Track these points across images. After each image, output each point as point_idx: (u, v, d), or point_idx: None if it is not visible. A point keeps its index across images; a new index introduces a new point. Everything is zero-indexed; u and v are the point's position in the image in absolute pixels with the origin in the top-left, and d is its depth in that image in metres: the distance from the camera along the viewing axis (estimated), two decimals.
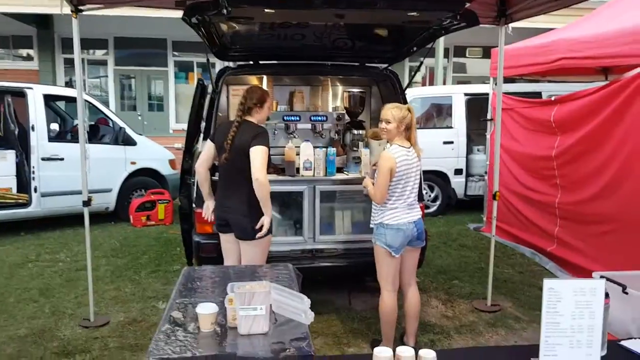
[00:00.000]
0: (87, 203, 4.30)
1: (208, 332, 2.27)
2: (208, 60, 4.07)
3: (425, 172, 8.06)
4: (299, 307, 2.45)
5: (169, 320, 2.40)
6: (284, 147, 4.33)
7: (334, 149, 4.36)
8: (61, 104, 8.59)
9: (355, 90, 4.75)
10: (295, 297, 2.55)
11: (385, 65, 4.65)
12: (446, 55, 13.81)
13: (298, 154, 4.30)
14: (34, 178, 6.81)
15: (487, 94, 7.23)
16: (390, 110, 3.52)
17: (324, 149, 4.31)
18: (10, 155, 6.91)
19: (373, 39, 4.27)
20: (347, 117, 4.80)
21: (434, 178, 8.20)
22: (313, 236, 4.33)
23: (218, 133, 3.71)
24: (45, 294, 4.84)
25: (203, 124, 4.24)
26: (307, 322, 2.39)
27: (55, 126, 8.23)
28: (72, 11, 3.87)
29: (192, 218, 4.21)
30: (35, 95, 6.92)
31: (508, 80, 7.65)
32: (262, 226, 3.55)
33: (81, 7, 3.90)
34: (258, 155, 3.44)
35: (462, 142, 8.14)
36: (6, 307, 4.50)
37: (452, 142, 8.13)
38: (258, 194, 3.49)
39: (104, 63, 13.13)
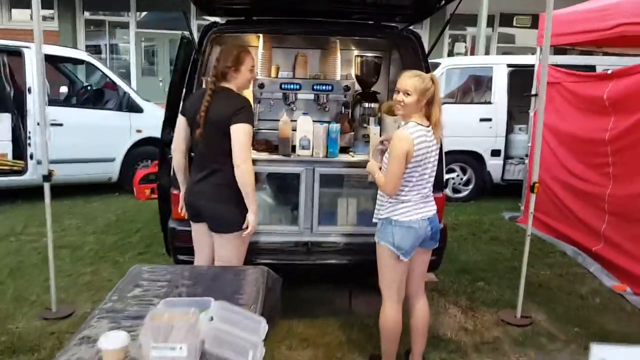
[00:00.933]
0: (47, 178, 3.71)
1: None
2: (185, 13, 3.39)
3: (457, 153, 7.30)
4: (247, 342, 1.81)
5: (76, 344, 1.83)
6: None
7: (338, 125, 3.64)
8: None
9: (369, 54, 3.98)
10: (249, 323, 1.91)
11: (406, 25, 3.86)
12: (491, 24, 12.68)
13: (295, 130, 3.62)
14: (30, 144, 6.35)
15: (533, 66, 6.30)
16: (411, 80, 2.78)
17: (326, 125, 3.60)
18: (6, 119, 6.47)
19: None
20: (358, 86, 4.05)
21: (468, 159, 7.36)
22: (310, 227, 3.66)
23: (190, 104, 3.06)
24: (15, 274, 4.37)
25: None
26: None
27: (64, 89, 7.80)
28: None
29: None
30: (33, 55, 6.39)
31: (558, 51, 6.70)
32: (241, 220, 2.94)
33: None
34: (240, 137, 2.82)
35: (501, 119, 7.23)
36: None
37: (490, 120, 7.23)
38: (240, 184, 2.87)
39: (125, 25, 12.61)
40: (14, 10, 12.24)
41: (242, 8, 3.67)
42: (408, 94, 2.79)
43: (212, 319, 1.80)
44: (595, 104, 4.85)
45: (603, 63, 6.88)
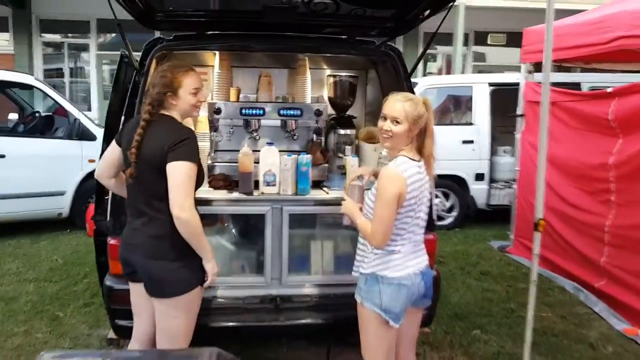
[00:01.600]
0: None
1: None
2: (119, 25, 2.83)
3: (440, 177, 6.72)
4: None
5: None
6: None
7: (309, 156, 3.09)
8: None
9: (343, 74, 3.47)
10: None
11: (384, 40, 3.36)
12: (465, 42, 12.40)
13: (257, 162, 3.05)
14: None
15: (517, 85, 5.90)
16: (401, 104, 2.29)
17: (294, 156, 3.04)
18: None
19: (367, 0, 2.99)
20: (331, 110, 3.52)
21: (450, 184, 6.88)
22: (279, 276, 3.08)
23: (125, 133, 2.47)
24: None
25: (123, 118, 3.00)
26: None
27: (13, 116, 7.13)
28: None
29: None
30: None
31: (538, 68, 6.33)
32: (187, 280, 2.37)
33: None
34: (177, 178, 2.25)
35: (484, 141, 6.80)
36: None
37: (472, 142, 6.79)
38: (184, 236, 2.29)
39: (86, 48, 11.95)
40: None
41: (191, 21, 3.10)
42: (397, 122, 2.28)
43: None
44: (597, 125, 4.40)
45: (587, 80, 6.55)
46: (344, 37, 3.37)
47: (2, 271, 5.06)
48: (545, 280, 4.95)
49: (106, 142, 3.03)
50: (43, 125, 6.61)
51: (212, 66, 3.46)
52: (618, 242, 4.24)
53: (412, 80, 7.10)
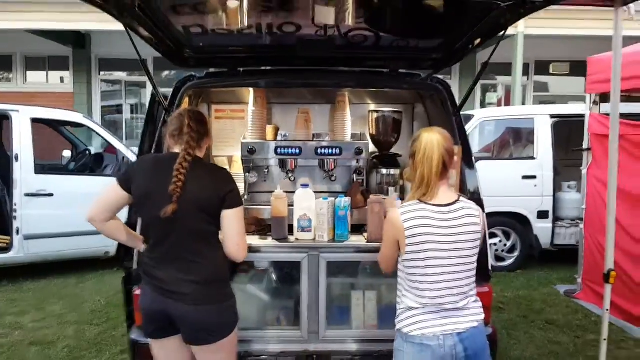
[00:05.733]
0: None
1: None
2: (144, 62, 2.72)
3: (499, 215, 6.36)
4: None
5: None
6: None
7: (347, 198, 2.82)
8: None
9: (387, 109, 3.22)
10: None
11: (431, 73, 3.09)
12: (526, 72, 11.91)
13: (291, 206, 2.82)
14: (15, 217, 5.72)
15: (582, 116, 5.46)
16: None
17: (331, 199, 2.79)
18: None
19: (411, 30, 2.75)
20: (373, 148, 3.26)
21: (511, 222, 6.41)
22: (316, 330, 2.80)
23: (142, 173, 2.31)
24: None
25: None
26: None
27: (67, 153, 7.30)
28: None
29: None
30: (22, 119, 5.87)
31: (604, 99, 5.88)
32: (230, 319, 2.31)
33: None
34: (239, 223, 2.30)
35: (547, 176, 6.30)
36: None
37: (534, 177, 6.32)
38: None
39: (143, 85, 12.31)
40: (29, 73, 12.11)
41: (223, 57, 2.95)
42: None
43: None
44: None
45: None
46: (386, 70, 3.12)
47: (45, 313, 5.02)
48: (618, 330, 4.41)
49: None
50: (93, 163, 6.70)
51: (247, 103, 3.28)
52: None
53: (469, 112, 6.83)
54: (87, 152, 6.96)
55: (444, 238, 2.04)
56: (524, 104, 11.21)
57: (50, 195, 5.86)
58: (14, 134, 5.78)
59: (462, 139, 2.81)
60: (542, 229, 6.38)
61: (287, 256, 2.80)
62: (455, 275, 2.09)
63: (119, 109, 12.71)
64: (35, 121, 6.01)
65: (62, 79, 12.13)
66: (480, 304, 2.19)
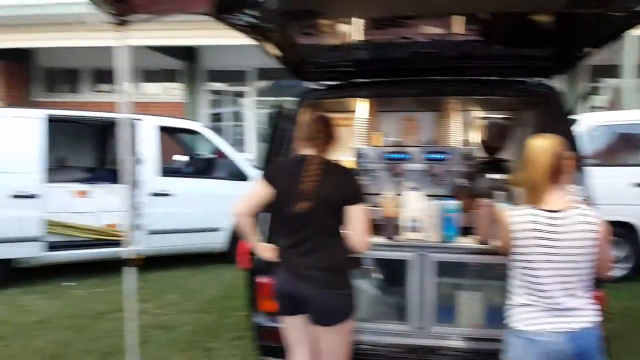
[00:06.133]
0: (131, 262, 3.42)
1: None
2: (279, 82, 3.01)
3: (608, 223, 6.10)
4: None
5: None
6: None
7: (456, 201, 2.97)
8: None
9: (495, 116, 3.32)
10: None
11: (541, 79, 3.15)
12: (637, 74, 11.24)
13: (402, 208, 3.00)
14: (140, 214, 6.36)
15: None
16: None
17: (440, 202, 2.94)
18: (118, 190, 6.58)
19: (522, 39, 2.85)
20: (481, 154, 3.37)
21: (620, 232, 6.15)
22: (424, 325, 2.96)
23: (281, 173, 2.63)
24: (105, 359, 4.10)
25: None
26: None
27: (179, 158, 7.95)
28: (117, 24, 3.08)
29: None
30: (147, 127, 6.53)
31: None
32: (349, 305, 2.56)
33: (127, 19, 3.10)
34: (363, 217, 2.54)
35: None
36: None
37: None
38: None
39: (245, 95, 13.01)
40: (144, 84, 13.22)
41: (340, 71, 3.21)
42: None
43: None
44: None
45: None
46: (496, 78, 3.22)
47: (164, 302, 5.54)
48: None
49: None
50: (205, 167, 7.27)
51: (356, 112, 3.51)
52: None
53: (575, 117, 6.64)
54: (201, 156, 7.56)
55: (553, 243, 2.12)
56: (634, 108, 10.58)
57: (171, 195, 6.46)
58: (139, 140, 6.43)
59: (573, 145, 2.85)
60: None
61: (397, 254, 2.98)
62: (567, 278, 2.16)
63: (220, 117, 13.53)
64: (159, 129, 6.66)
65: (173, 90, 13.12)
66: (595, 307, 2.25)
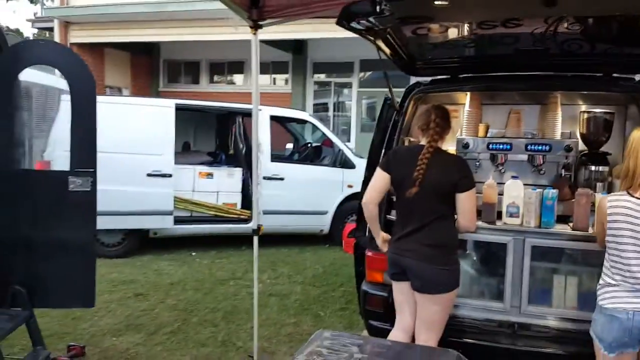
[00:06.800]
0: (256, 232, 3.96)
1: None
2: (386, 74, 3.37)
3: None
4: None
5: None
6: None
7: (555, 190, 3.17)
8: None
9: (598, 110, 3.45)
10: None
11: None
12: None
13: (501, 194, 3.26)
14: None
15: None
16: None
17: (539, 190, 3.16)
18: (237, 173, 7.30)
19: (625, 37, 2.98)
20: (583, 146, 3.52)
21: None
22: (518, 305, 3.21)
23: (397, 161, 2.96)
24: (228, 317, 4.72)
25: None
26: None
27: (290, 146, 8.57)
28: (250, 27, 3.59)
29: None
30: (262, 117, 7.15)
31: None
32: (447, 279, 2.83)
33: (260, 22, 3.60)
34: (471, 202, 2.85)
35: None
36: (187, 327, 4.49)
37: None
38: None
39: (349, 85, 13.47)
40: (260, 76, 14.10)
41: (446, 67, 3.50)
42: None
43: None
44: None
45: None
46: (599, 74, 3.36)
47: (277, 273, 6.15)
48: None
49: (369, 171, 3.61)
50: (313, 154, 7.80)
51: (463, 104, 3.78)
52: None
53: None
54: (309, 144, 8.11)
55: (633, 221, 2.31)
56: None
57: (282, 179, 7.06)
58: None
59: None
60: None
61: (496, 238, 3.23)
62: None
63: (325, 107, 14.11)
64: (272, 118, 7.26)
65: (281, 81, 13.90)
66: None
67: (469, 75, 3.62)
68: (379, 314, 3.29)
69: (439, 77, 3.62)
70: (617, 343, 2.37)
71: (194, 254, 7.04)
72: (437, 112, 2.87)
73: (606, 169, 3.40)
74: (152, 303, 5.09)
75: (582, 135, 3.54)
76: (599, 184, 3.34)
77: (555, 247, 3.19)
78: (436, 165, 2.77)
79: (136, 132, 6.54)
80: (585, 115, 3.51)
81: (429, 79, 3.62)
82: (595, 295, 2.56)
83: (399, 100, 3.61)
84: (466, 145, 3.57)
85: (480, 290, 3.43)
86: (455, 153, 3.13)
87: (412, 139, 3.56)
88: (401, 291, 3.01)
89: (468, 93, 3.69)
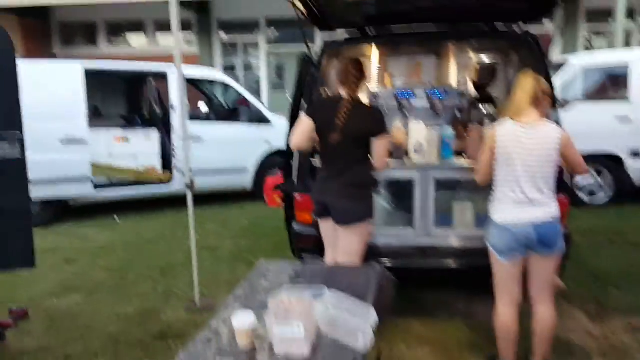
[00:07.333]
0: (190, 187, 4.21)
1: (244, 347, 1.95)
2: (303, 32, 3.69)
3: (591, 156, 6.84)
4: (356, 327, 1.99)
5: (209, 329, 2.13)
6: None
7: (450, 129, 3.70)
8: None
9: (485, 59, 4.00)
10: (360, 311, 2.09)
11: (523, 25, 3.81)
12: (631, 16, 11.65)
13: (408, 135, 3.74)
14: (175, 157, 7.12)
15: None
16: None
17: (439, 130, 3.68)
18: (155, 136, 7.33)
19: None
20: (474, 92, 4.07)
21: (604, 161, 6.89)
22: (426, 229, 3.75)
23: (319, 109, 3.31)
24: (165, 272, 4.97)
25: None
26: (363, 349, 1.93)
27: (202, 105, 8.63)
28: None
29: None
30: (175, 77, 7.18)
31: None
32: (362, 211, 3.21)
33: None
34: (384, 146, 3.23)
35: None
36: (125, 283, 4.70)
37: (628, 119, 6.71)
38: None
39: (256, 45, 13.54)
40: (159, 36, 13.74)
41: (356, 22, 3.88)
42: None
43: (325, 306, 2.02)
44: None
45: None
46: (485, 26, 3.88)
47: (206, 230, 6.38)
48: None
49: (291, 123, 3.95)
50: (229, 113, 7.98)
51: (370, 57, 4.19)
52: None
53: (567, 56, 7.19)
54: (225, 103, 8.26)
55: (526, 146, 2.81)
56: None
57: (201, 138, 7.20)
58: (170, 89, 7.12)
59: (549, 83, 3.51)
60: (635, 167, 6.80)
61: (404, 173, 3.74)
62: (533, 179, 2.86)
63: (233, 67, 14.12)
64: (186, 78, 7.31)
65: (190, 42, 13.65)
66: (556, 204, 2.92)
67: (375, 32, 4.02)
68: (309, 250, 3.71)
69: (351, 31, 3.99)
70: (509, 250, 2.88)
71: (117, 218, 7.09)
72: (354, 65, 3.19)
73: (493, 109, 3.97)
74: (83, 266, 5.20)
75: (472, 82, 4.09)
76: (487, 122, 3.92)
77: (454, 178, 3.74)
78: (355, 115, 3.12)
79: (43, 97, 6.23)
80: (475, 64, 4.05)
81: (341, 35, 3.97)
82: (488, 214, 3.10)
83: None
84: (376, 95, 4.00)
85: (394, 220, 3.94)
86: (368, 102, 3.51)
87: (328, 91, 3.93)
88: (327, 227, 3.41)
89: (375, 47, 4.11)
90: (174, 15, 3.82)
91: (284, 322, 1.85)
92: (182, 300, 4.31)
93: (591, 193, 7.03)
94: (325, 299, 2.07)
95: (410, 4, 3.58)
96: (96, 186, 6.81)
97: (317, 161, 3.55)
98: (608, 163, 6.90)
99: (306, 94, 3.84)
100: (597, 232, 5.79)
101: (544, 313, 3.01)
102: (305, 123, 3.27)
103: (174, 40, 4.05)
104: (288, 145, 3.93)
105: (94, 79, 7.18)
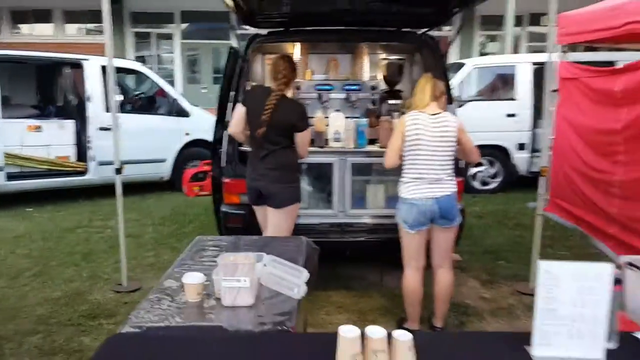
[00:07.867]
0: (118, 171, 4.34)
1: (194, 302, 2.22)
2: (233, 26, 3.97)
3: (484, 147, 7.70)
4: (292, 282, 2.34)
5: (158, 289, 2.38)
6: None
7: (365, 119, 4.15)
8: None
9: (393, 57, 4.49)
10: (294, 270, 2.44)
11: (425, 30, 4.34)
12: (520, 24, 12.93)
13: (328, 125, 4.14)
14: (90, 147, 7.07)
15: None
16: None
17: (355, 120, 4.11)
18: (69, 125, 7.21)
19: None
20: (384, 86, 4.56)
21: (495, 153, 7.75)
22: (344, 209, 4.18)
23: (251, 100, 3.58)
24: (87, 258, 5.03)
25: (233, 94, 4.15)
26: (298, 296, 2.28)
27: (119, 97, 8.52)
28: None
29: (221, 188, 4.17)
30: (92, 67, 7.14)
31: (587, 48, 7.05)
32: (293, 195, 3.52)
33: None
34: (306, 139, 3.52)
35: (526, 114, 7.60)
36: (48, 269, 4.72)
37: (514, 115, 7.61)
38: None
39: (170, 37, 13.44)
40: (67, 25, 13.24)
41: (281, 20, 4.22)
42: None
43: (265, 265, 2.35)
44: (608, 96, 5.19)
45: (624, 59, 7.17)
46: (393, 29, 4.38)
47: (125, 218, 6.35)
48: (569, 230, 5.79)
49: (220, 113, 4.21)
50: (148, 104, 7.99)
51: (292, 53, 4.55)
52: (628, 195, 5.02)
53: (462, 60, 8.00)
54: (143, 94, 8.25)
55: (430, 134, 3.30)
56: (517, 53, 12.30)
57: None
58: (86, 79, 7.04)
59: (446, 81, 4.06)
60: (520, 158, 7.73)
61: (324, 159, 4.13)
62: (436, 160, 3.34)
63: (146, 59, 13.90)
64: (103, 69, 7.26)
65: (97, 32, 13.26)
66: (454, 182, 3.42)
67: (298, 29, 4.38)
68: (238, 229, 3.98)
69: (274, 29, 4.32)
70: (416, 222, 3.33)
71: (30, 209, 6.91)
72: (285, 63, 3.48)
73: (400, 102, 4.48)
74: (1, 255, 5.12)
75: (383, 77, 4.57)
76: (395, 114, 4.41)
77: (368, 163, 4.20)
78: (281, 109, 3.40)
79: None
80: (384, 62, 4.54)
81: (265, 31, 4.29)
82: (397, 194, 3.56)
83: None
84: (299, 87, 4.37)
85: (316, 201, 4.33)
86: (292, 96, 3.82)
87: (253, 83, 4.24)
88: (260, 213, 3.70)
89: (297, 44, 4.48)
90: (105, 4, 3.93)
91: (232, 277, 2.16)
92: (109, 283, 4.43)
93: (484, 183, 7.86)
94: (264, 261, 2.40)
95: (329, 5, 3.98)
96: (9, 177, 6.60)
97: (245, 147, 3.85)
98: (497, 154, 7.76)
99: (234, 86, 4.12)
100: (488, 215, 6.56)
101: (444, 277, 3.51)
102: (239, 111, 3.55)
103: (104, 30, 4.15)
104: (215, 134, 4.22)
105: (4, 67, 6.96)
